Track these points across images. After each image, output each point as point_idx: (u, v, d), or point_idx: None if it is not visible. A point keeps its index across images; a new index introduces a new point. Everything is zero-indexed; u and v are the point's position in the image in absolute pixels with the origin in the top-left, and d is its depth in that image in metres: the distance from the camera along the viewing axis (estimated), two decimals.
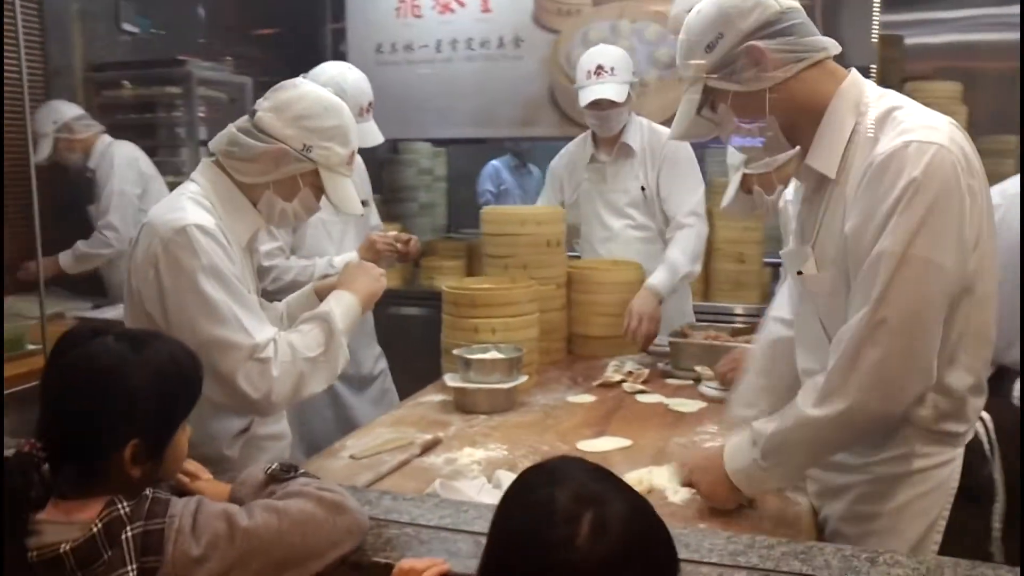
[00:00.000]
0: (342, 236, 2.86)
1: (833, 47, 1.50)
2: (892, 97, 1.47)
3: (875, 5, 3.75)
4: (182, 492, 1.34)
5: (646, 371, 2.66)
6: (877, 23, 3.79)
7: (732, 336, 2.78)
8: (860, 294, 1.37)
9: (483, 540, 1.32)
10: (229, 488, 1.40)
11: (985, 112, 3.90)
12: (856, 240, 1.38)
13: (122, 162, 3.79)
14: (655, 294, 2.89)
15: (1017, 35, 4.15)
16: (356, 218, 2.86)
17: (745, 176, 2.38)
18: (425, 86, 4.37)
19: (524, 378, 2.36)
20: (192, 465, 1.44)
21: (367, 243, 2.74)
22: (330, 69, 2.78)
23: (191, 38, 4.69)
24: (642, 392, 2.49)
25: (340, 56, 4.71)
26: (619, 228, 3.17)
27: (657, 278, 2.92)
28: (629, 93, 3.03)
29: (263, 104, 1.77)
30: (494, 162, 5.78)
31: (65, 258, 3.79)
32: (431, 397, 2.46)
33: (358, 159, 3.01)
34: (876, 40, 3.69)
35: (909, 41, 4.11)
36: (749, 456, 1.51)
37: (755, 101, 1.48)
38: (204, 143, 4.26)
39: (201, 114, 4.09)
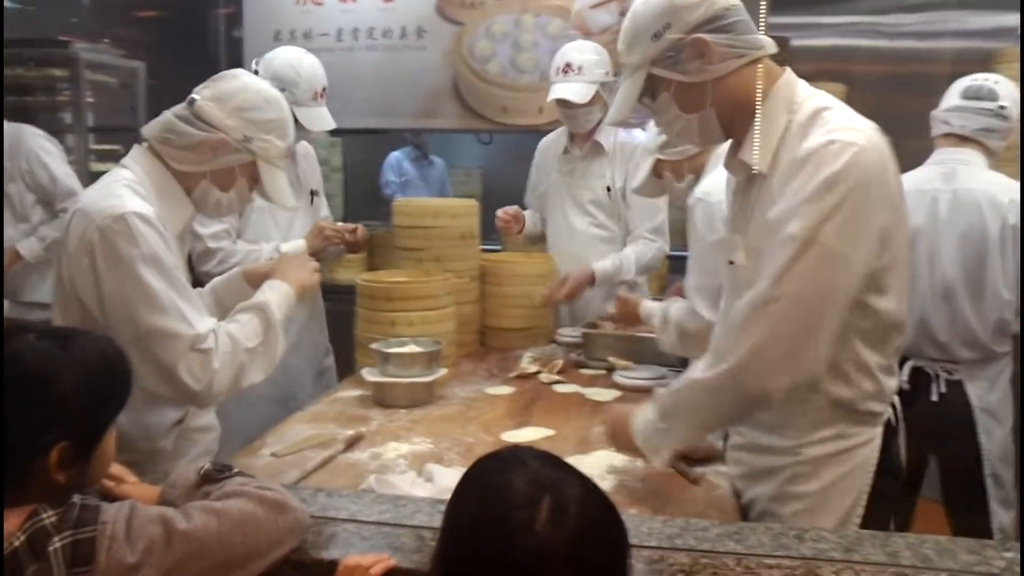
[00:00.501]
0: (289, 223, 2.82)
1: (770, 46, 1.55)
2: (821, 98, 1.52)
3: (761, 7, 3.91)
4: (108, 498, 1.28)
5: (561, 361, 2.69)
6: (764, 24, 3.95)
7: (640, 327, 2.84)
8: (763, 271, 1.42)
9: (425, 534, 1.33)
10: (159, 491, 1.35)
11: (865, 114, 4.14)
12: (774, 226, 1.43)
13: (46, 144, 3.54)
14: (591, 271, 2.97)
15: (888, 42, 4.41)
16: (304, 206, 2.87)
17: (658, 161, 2.43)
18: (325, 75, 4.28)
19: (443, 371, 2.36)
20: (117, 469, 1.38)
21: (315, 230, 2.78)
22: (284, 53, 2.77)
23: (64, 16, 4.43)
24: (558, 382, 2.52)
25: (234, 43, 4.56)
26: (582, 226, 3.17)
27: (601, 263, 2.99)
28: (599, 92, 3.01)
29: (204, 92, 1.76)
30: (396, 153, 5.72)
31: (29, 245, 3.51)
32: (348, 392, 2.42)
33: (309, 148, 3.00)
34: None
35: (795, 43, 4.30)
36: (649, 418, 1.57)
37: (697, 92, 1.52)
38: (93, 129, 4.04)
39: (89, 99, 3.87)
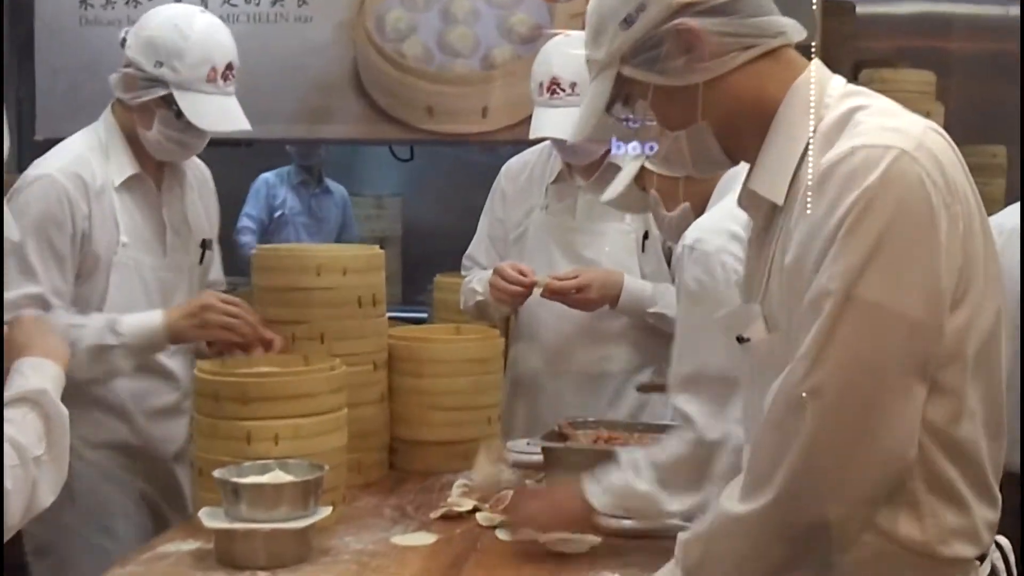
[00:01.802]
0: (169, 289, 2.89)
1: (794, 31, 1.60)
2: (860, 97, 1.56)
3: None
4: None
5: (511, 493, 2.65)
6: None
7: (631, 433, 2.83)
8: (795, 348, 1.46)
9: None
10: None
11: (965, 112, 4.23)
12: (794, 278, 1.48)
13: None
14: (620, 283, 3.06)
15: (1002, 8, 4.52)
16: (189, 265, 2.97)
17: (644, 172, 2.47)
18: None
19: (327, 510, 2.33)
20: None
21: (194, 308, 2.79)
22: (167, 11, 2.88)
23: None
24: (506, 524, 2.48)
25: (24, 9, 4.56)
26: None
27: (635, 281, 3.09)
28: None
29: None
30: (267, 176, 5.75)
31: None
32: (177, 546, 2.37)
33: (205, 172, 3.15)
34: (816, 6, 3.92)
35: (862, 10, 4.40)
36: None
37: (684, 99, 1.56)
38: None
39: None
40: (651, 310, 3.09)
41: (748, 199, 1.62)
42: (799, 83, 1.56)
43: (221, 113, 2.82)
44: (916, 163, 1.42)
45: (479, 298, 3.26)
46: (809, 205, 1.46)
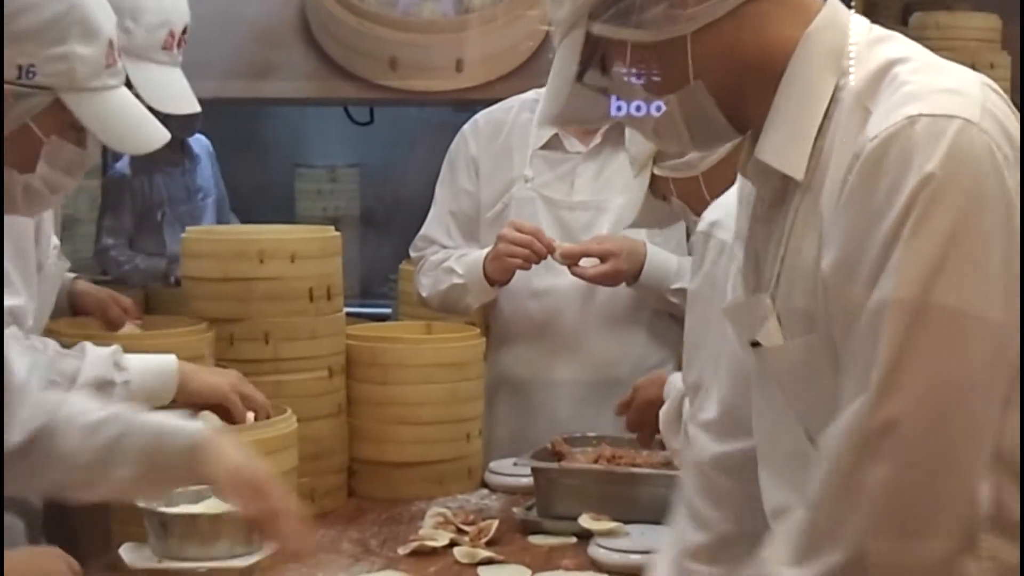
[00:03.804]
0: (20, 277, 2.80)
1: None
2: (893, 43, 1.55)
3: None
4: None
5: (494, 523, 2.67)
6: None
7: (639, 450, 2.84)
8: (853, 374, 1.43)
9: None
10: None
11: None
12: (841, 283, 1.44)
13: None
14: (643, 253, 3.07)
15: None
16: (45, 257, 2.85)
17: (656, 180, 2.49)
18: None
19: (274, 545, 2.31)
20: None
21: (103, 301, 2.87)
22: None
23: None
24: (489, 562, 2.51)
25: None
26: (585, 282, 3.18)
27: (659, 252, 3.09)
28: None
29: None
30: (194, 143, 5.71)
31: None
32: None
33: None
34: None
35: None
36: None
37: (669, 57, 1.54)
38: None
39: None
40: (675, 286, 3.07)
41: (755, 170, 1.59)
42: (815, 27, 1.54)
43: (178, 91, 2.80)
44: (985, 134, 1.40)
45: (456, 281, 3.23)
46: (854, 189, 1.43)
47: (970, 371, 1.40)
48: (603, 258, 3.05)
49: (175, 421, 2.02)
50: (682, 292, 3.00)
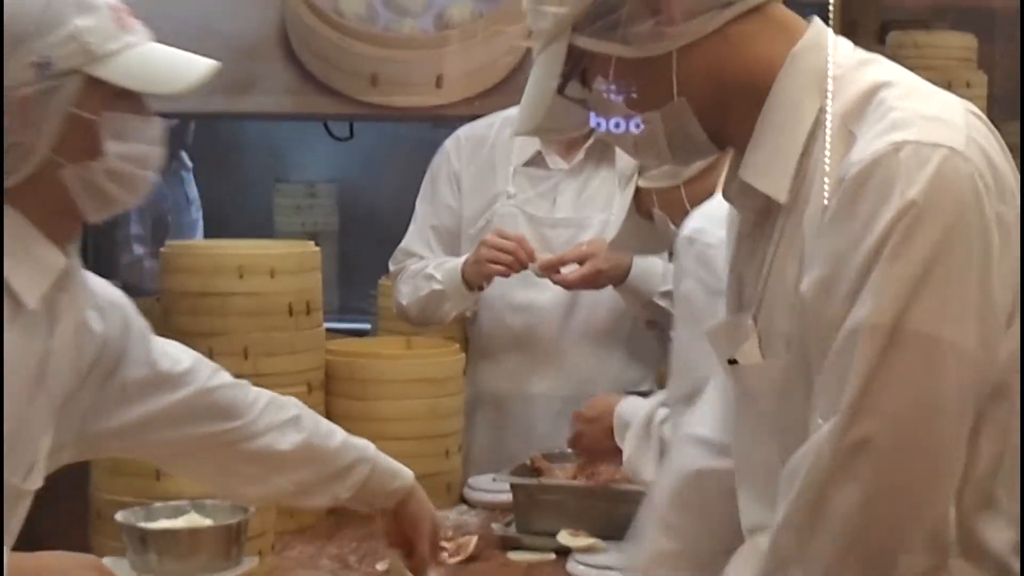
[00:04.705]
0: None
1: None
2: (877, 66, 1.55)
3: None
4: None
5: (473, 540, 2.67)
6: None
7: (617, 467, 2.84)
8: (825, 396, 1.43)
9: None
10: None
11: (1012, 82, 4.24)
12: (818, 304, 1.44)
13: None
14: (629, 256, 3.02)
15: None
16: None
17: (640, 193, 2.49)
18: None
19: (253, 561, 2.34)
20: None
21: None
22: None
23: None
24: None
25: None
26: (567, 299, 3.19)
27: (645, 257, 3.04)
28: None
29: None
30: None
31: None
32: None
33: None
34: None
35: None
36: None
37: (654, 73, 1.53)
38: None
39: None
40: (662, 289, 3.05)
41: (739, 191, 1.59)
42: (800, 49, 1.54)
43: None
44: (968, 163, 1.40)
45: (435, 287, 3.22)
46: (836, 212, 1.43)
47: (941, 396, 1.40)
48: (581, 261, 3.03)
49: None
50: (670, 295, 3.02)
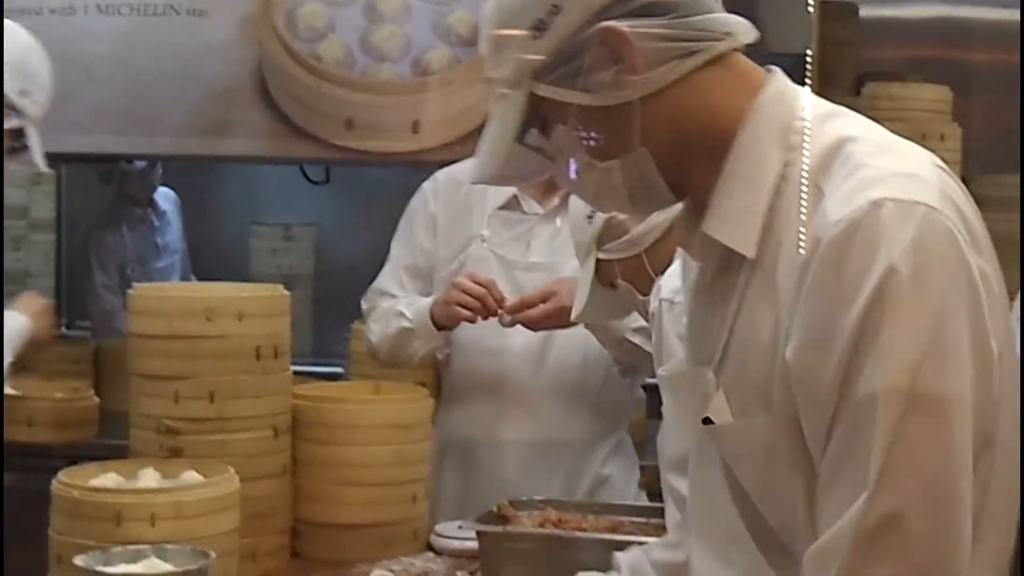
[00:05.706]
0: None
1: (744, 32, 1.57)
2: (842, 120, 1.55)
3: None
4: None
5: None
6: None
7: (585, 515, 2.84)
8: (847, 472, 1.40)
9: None
10: None
11: (986, 135, 4.27)
12: (809, 370, 1.42)
13: None
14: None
15: None
16: None
17: (601, 264, 2.48)
18: None
19: None
20: None
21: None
22: (17, 32, 2.93)
23: None
24: None
25: None
26: (541, 344, 3.19)
27: None
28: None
29: None
30: (161, 199, 5.73)
31: None
32: None
33: None
34: (814, 9, 3.94)
35: (867, 13, 4.46)
36: None
37: (615, 122, 1.53)
38: None
39: None
40: (635, 326, 3.02)
41: (702, 244, 1.58)
42: (762, 100, 1.54)
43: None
44: (946, 218, 1.40)
45: (405, 324, 3.23)
46: (819, 274, 1.42)
47: (955, 455, 1.39)
48: (544, 299, 3.04)
49: None
50: (644, 331, 3.00)
